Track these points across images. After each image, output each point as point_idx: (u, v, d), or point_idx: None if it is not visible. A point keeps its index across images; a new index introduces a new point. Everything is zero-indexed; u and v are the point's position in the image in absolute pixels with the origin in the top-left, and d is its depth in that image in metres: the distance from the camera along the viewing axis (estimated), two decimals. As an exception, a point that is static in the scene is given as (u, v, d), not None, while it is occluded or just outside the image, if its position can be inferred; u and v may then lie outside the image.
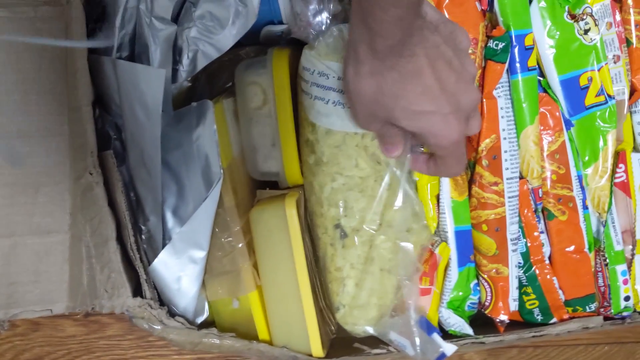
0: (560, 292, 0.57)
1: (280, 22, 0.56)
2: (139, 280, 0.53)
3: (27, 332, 0.67)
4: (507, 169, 0.54)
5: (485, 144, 0.54)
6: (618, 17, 0.57)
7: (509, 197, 0.54)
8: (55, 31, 0.53)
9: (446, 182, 0.55)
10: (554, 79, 0.55)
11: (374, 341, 0.56)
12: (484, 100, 0.54)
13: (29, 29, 0.53)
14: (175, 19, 0.52)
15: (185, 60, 0.52)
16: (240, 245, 0.54)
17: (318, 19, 0.51)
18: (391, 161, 0.51)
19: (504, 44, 0.53)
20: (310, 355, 0.54)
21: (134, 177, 0.54)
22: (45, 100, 0.53)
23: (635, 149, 0.59)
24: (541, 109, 0.56)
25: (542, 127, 0.56)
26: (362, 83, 0.43)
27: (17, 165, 0.52)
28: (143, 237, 0.54)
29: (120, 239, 0.53)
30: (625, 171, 0.57)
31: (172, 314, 0.53)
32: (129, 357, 0.68)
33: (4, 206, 0.52)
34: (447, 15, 0.53)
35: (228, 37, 0.51)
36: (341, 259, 0.53)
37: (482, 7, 0.54)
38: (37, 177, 0.53)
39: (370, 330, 0.54)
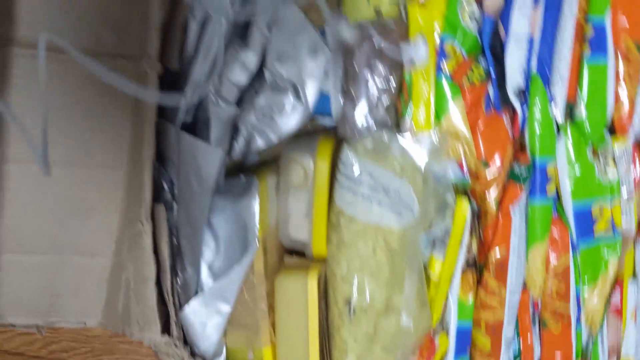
0: (546, 395, 0.60)
1: (330, 115, 0.60)
2: (168, 318, 0.57)
3: (58, 327, 0.70)
4: (511, 281, 0.57)
5: (494, 252, 0.58)
6: (638, 162, 0.59)
7: (509, 307, 0.58)
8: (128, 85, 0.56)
9: (457, 279, 0.58)
10: (569, 208, 0.58)
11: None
12: (500, 215, 0.57)
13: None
14: (239, 101, 0.57)
15: (241, 141, 0.56)
16: (262, 304, 0.58)
17: (363, 124, 0.56)
18: (406, 253, 0.55)
19: (527, 170, 0.56)
20: (312, 412, 0.58)
21: (179, 230, 0.58)
22: (107, 138, 0.56)
23: (633, 277, 0.61)
24: (552, 230, 0.59)
25: (550, 247, 0.59)
26: None
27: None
28: (179, 281, 0.59)
29: (159, 281, 0.57)
30: (621, 296, 0.60)
31: (193, 353, 0.58)
32: (144, 363, 0.72)
33: (57, 227, 0.57)
34: (480, 137, 0.57)
35: (283, 128, 0.55)
36: (347, 332, 0.58)
37: (514, 134, 0.57)
38: (90, 204, 0.57)
39: (364, 401, 0.58)
